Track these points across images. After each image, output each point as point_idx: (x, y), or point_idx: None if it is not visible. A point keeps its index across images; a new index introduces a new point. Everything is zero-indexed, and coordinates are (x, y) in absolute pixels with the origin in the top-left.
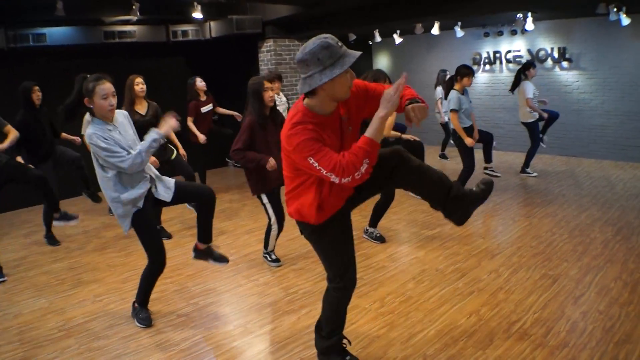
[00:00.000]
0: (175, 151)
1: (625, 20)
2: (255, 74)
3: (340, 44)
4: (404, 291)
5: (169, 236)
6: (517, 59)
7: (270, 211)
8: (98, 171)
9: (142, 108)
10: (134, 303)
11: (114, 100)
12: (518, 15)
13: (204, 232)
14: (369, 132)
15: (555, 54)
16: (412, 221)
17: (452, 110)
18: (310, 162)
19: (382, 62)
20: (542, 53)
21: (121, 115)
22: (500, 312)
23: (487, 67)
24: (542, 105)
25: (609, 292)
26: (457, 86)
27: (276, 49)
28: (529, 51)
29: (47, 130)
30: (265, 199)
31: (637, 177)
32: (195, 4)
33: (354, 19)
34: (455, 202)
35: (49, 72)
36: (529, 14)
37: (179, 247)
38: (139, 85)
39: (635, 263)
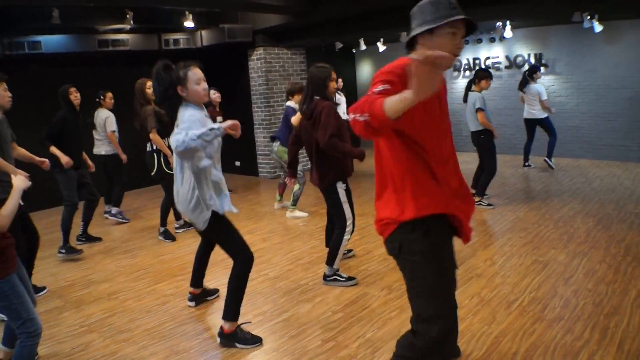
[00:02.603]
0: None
1: (598, 27)
2: (245, 82)
3: (454, 3)
4: None
5: (173, 238)
6: (496, 65)
7: (346, 206)
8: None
9: None
10: (221, 329)
11: (206, 85)
12: (497, 24)
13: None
14: (390, 99)
15: (532, 60)
16: None
17: (479, 110)
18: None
19: (366, 69)
20: (519, 59)
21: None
22: (499, 293)
23: (467, 73)
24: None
25: (595, 273)
26: (475, 88)
27: (266, 57)
28: (507, 57)
29: (81, 141)
30: (341, 189)
31: (612, 173)
32: (187, 13)
33: (341, 28)
34: None
35: (43, 79)
36: (508, 22)
37: (184, 248)
38: (151, 88)
39: (617, 248)
